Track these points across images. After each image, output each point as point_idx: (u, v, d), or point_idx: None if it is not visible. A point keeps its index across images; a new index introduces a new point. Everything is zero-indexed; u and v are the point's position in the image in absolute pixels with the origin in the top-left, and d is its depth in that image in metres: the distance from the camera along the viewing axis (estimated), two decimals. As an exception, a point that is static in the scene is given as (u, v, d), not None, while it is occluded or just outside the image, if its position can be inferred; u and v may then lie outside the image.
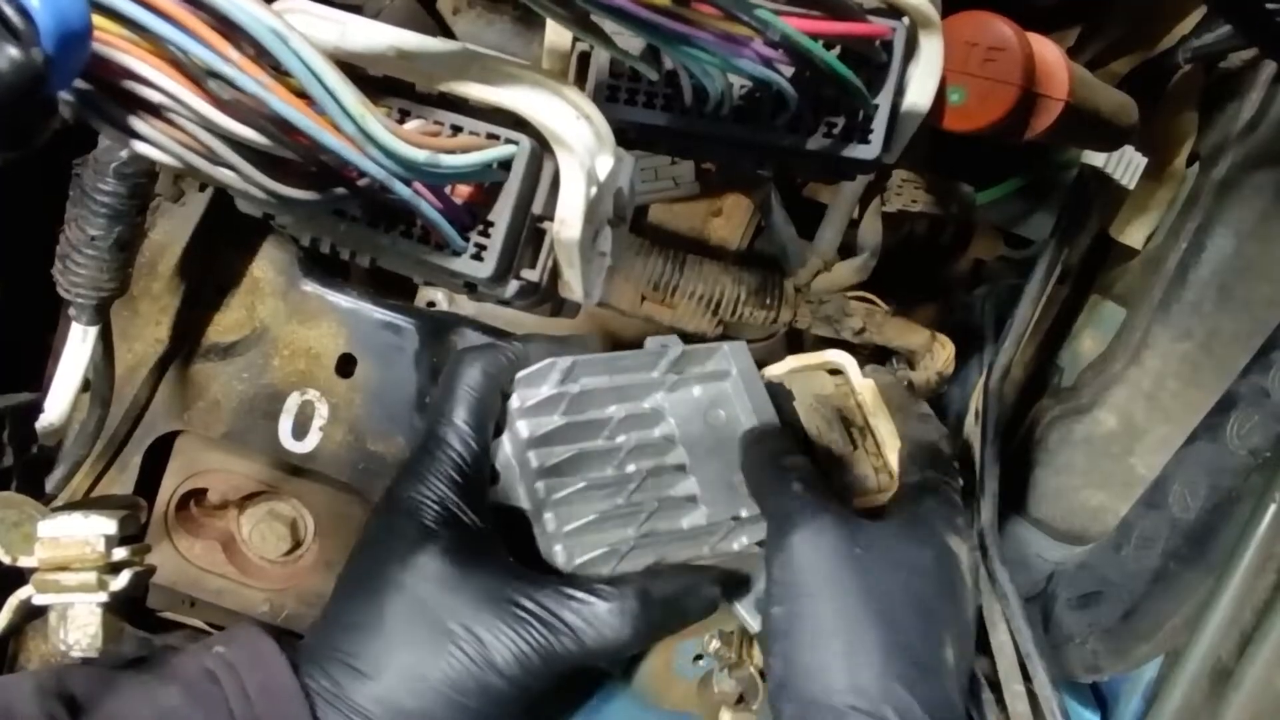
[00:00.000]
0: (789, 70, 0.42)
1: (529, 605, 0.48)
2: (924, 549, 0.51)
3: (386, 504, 0.51)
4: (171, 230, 0.69)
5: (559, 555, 0.51)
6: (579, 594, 0.48)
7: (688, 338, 0.59)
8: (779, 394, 0.60)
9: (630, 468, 0.53)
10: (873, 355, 0.86)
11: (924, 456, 0.58)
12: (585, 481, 0.51)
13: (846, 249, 0.78)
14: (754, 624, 0.56)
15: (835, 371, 0.64)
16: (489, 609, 0.47)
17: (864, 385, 0.63)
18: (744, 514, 0.54)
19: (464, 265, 0.40)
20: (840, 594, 0.48)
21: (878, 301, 0.76)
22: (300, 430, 0.70)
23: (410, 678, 0.47)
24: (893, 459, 0.61)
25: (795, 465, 0.53)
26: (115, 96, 0.31)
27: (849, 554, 0.48)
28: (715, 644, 0.68)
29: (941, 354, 0.75)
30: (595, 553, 0.51)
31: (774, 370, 0.63)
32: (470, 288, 0.41)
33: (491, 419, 0.52)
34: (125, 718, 0.45)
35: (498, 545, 0.51)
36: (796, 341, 0.83)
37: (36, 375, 0.70)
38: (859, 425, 0.63)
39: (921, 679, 0.47)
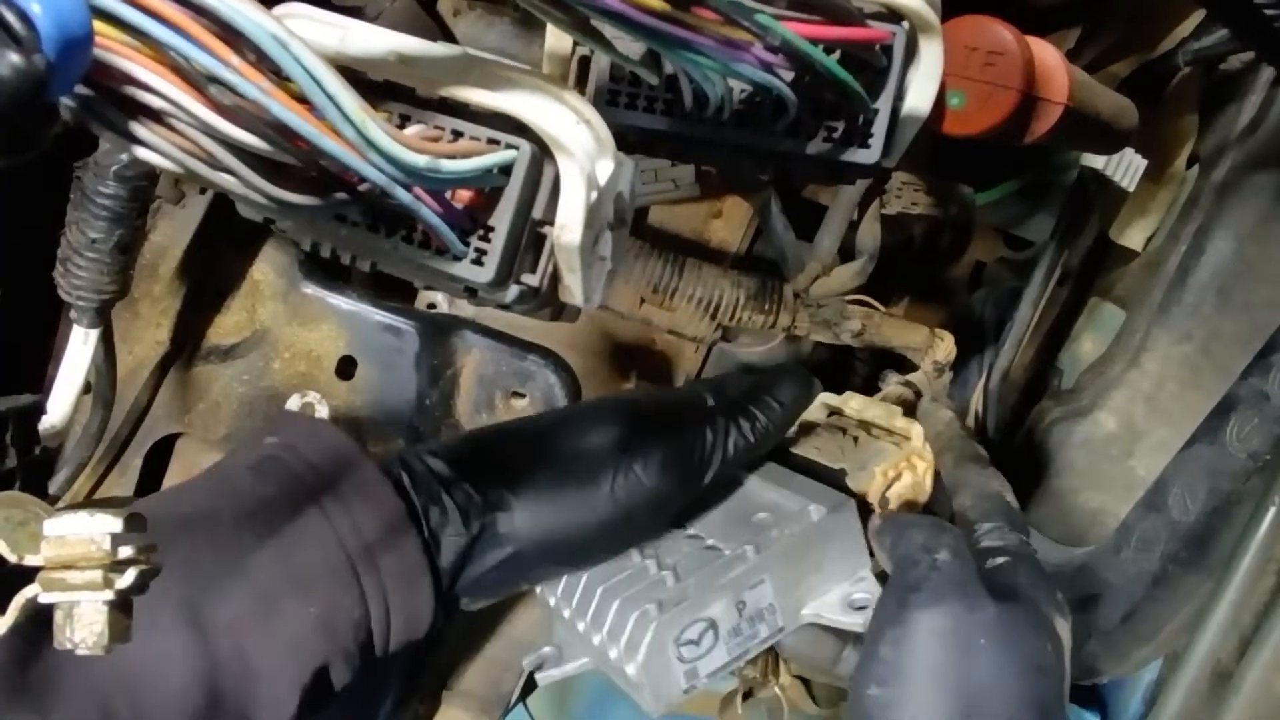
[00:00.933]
0: (789, 75, 0.42)
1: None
2: (1041, 639, 0.45)
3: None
4: (172, 233, 0.69)
5: (614, 654, 0.53)
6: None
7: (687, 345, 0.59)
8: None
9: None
10: (873, 359, 0.86)
11: (1001, 514, 0.53)
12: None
13: (845, 252, 0.78)
14: (849, 622, 0.54)
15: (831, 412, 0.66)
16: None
17: (846, 399, 0.63)
18: (764, 521, 0.55)
19: (464, 270, 0.40)
20: (954, 695, 0.43)
21: (875, 304, 0.76)
22: (301, 432, 0.70)
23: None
24: (900, 424, 0.61)
25: (940, 540, 0.48)
26: (116, 101, 0.31)
27: (974, 645, 0.44)
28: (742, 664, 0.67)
29: (941, 346, 0.75)
30: (630, 626, 0.52)
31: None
32: (471, 292, 0.41)
33: None
34: (201, 505, 0.47)
35: None
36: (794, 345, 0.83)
37: (38, 377, 0.70)
38: (852, 426, 0.63)
39: None
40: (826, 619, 0.55)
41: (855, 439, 0.63)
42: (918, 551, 0.48)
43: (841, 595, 0.55)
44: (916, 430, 0.62)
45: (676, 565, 0.54)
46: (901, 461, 0.61)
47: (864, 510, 0.59)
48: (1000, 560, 0.49)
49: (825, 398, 0.64)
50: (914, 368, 0.77)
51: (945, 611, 0.45)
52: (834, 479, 0.61)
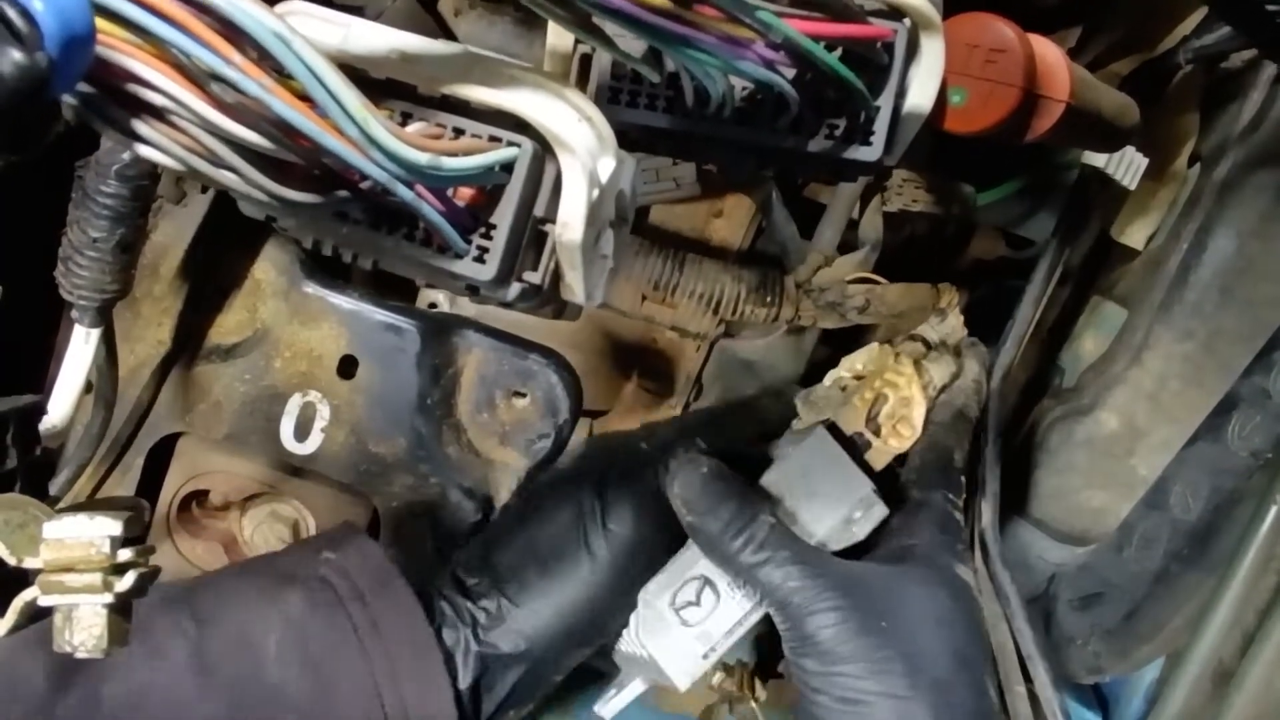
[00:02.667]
0: (790, 72, 0.42)
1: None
2: (941, 591, 0.50)
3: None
4: (173, 232, 0.69)
5: (631, 647, 0.55)
6: None
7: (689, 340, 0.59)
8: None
9: None
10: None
11: (935, 470, 0.58)
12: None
13: (847, 247, 0.78)
14: (850, 537, 0.56)
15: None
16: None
17: (842, 368, 0.63)
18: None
19: (466, 268, 0.40)
20: (879, 674, 0.47)
21: (875, 278, 0.75)
22: (302, 432, 0.70)
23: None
24: (869, 361, 0.62)
25: (785, 556, 0.51)
26: (118, 99, 0.31)
27: (876, 629, 0.48)
28: (719, 676, 0.67)
29: (946, 294, 0.74)
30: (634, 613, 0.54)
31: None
32: (472, 290, 0.41)
33: None
34: (253, 627, 0.47)
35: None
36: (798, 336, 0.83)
37: (39, 377, 0.70)
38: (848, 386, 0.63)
39: None
40: (834, 546, 0.55)
41: (844, 388, 0.63)
42: (766, 568, 0.51)
43: (843, 517, 0.56)
44: (888, 352, 0.62)
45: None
46: (876, 382, 0.61)
47: (861, 446, 0.60)
48: (908, 517, 0.55)
49: (829, 375, 0.64)
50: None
51: (835, 614, 0.48)
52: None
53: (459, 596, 0.55)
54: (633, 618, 0.55)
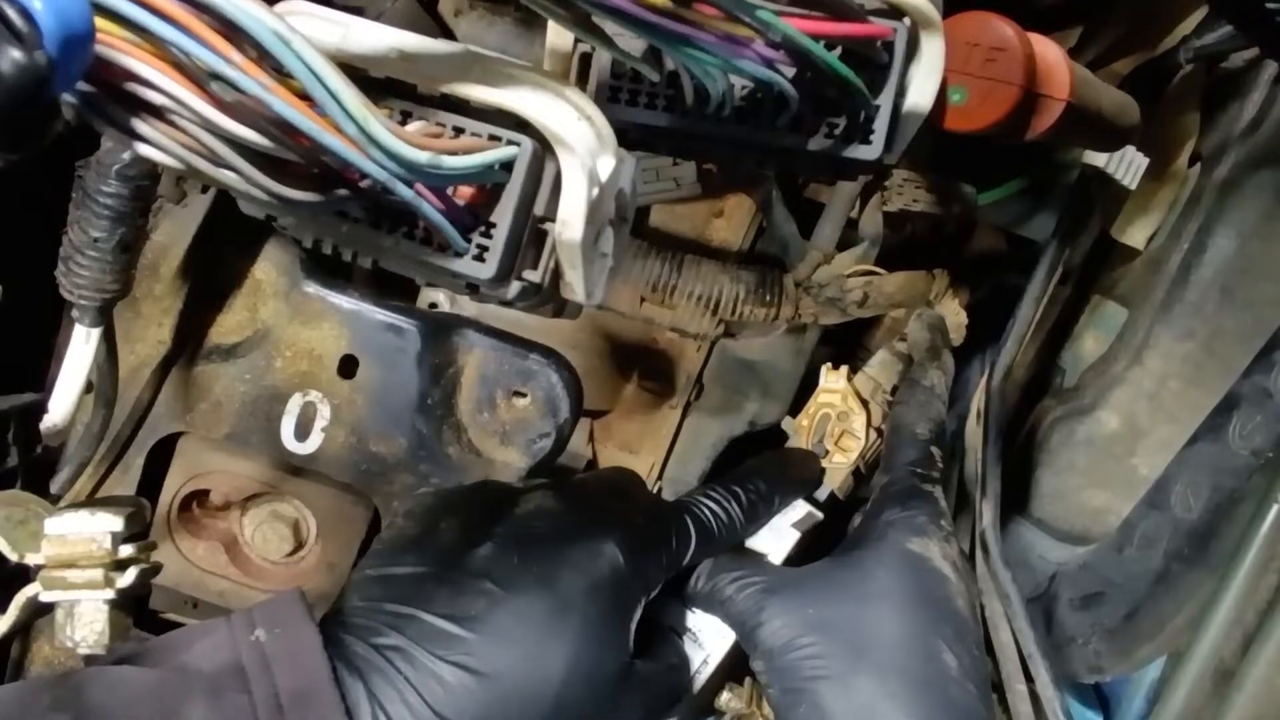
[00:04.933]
0: (790, 71, 0.42)
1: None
2: (885, 572, 0.51)
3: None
4: (174, 232, 0.69)
5: None
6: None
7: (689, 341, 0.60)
8: None
9: None
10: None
11: (898, 448, 0.59)
12: None
13: (847, 245, 0.78)
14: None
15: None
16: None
17: (819, 397, 0.65)
18: None
19: (466, 266, 0.40)
20: (814, 657, 0.48)
21: (876, 270, 0.75)
22: (302, 431, 0.70)
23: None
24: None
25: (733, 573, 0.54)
26: (118, 98, 0.31)
27: (824, 620, 0.49)
28: (725, 694, 0.67)
29: (942, 281, 0.75)
30: None
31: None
32: (472, 289, 0.41)
33: None
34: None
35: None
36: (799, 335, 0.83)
37: (39, 376, 0.70)
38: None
39: (949, 710, 0.48)
40: (775, 557, 0.59)
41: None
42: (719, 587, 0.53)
43: (773, 527, 0.60)
44: (824, 372, 0.63)
45: None
46: (812, 407, 0.62)
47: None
48: (872, 504, 0.56)
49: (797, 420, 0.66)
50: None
51: (780, 620, 0.50)
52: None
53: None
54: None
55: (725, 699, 0.69)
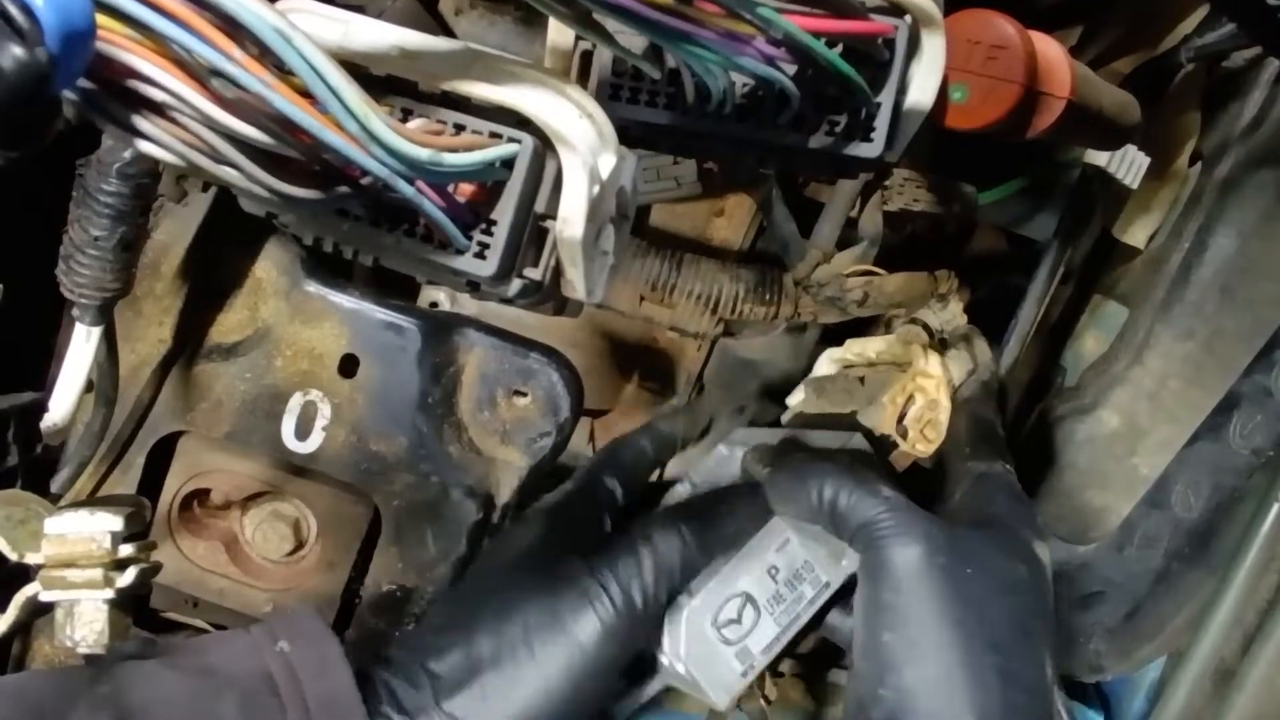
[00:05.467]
0: (791, 68, 0.42)
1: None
2: (1018, 563, 0.48)
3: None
4: (174, 230, 0.69)
5: (671, 660, 0.52)
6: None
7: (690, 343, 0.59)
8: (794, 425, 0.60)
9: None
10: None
11: (988, 440, 0.56)
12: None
13: (847, 244, 0.78)
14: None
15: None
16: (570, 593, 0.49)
17: (847, 349, 0.62)
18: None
19: (467, 264, 0.40)
20: (956, 625, 0.45)
21: (876, 270, 0.75)
22: (303, 430, 0.70)
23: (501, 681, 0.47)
24: (898, 350, 0.59)
25: (876, 487, 0.50)
26: (119, 95, 0.31)
27: (961, 576, 0.46)
28: None
29: (945, 281, 0.74)
30: (670, 622, 0.52)
31: (787, 417, 0.63)
32: (473, 286, 0.41)
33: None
34: None
35: None
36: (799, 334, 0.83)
37: (40, 375, 0.70)
38: (861, 371, 0.62)
39: (1031, 705, 0.45)
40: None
41: (861, 379, 0.62)
42: (853, 495, 0.49)
43: None
44: (918, 351, 0.60)
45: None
46: (908, 383, 0.60)
47: (887, 447, 0.58)
48: (978, 487, 0.52)
49: (831, 354, 0.63)
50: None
51: (924, 548, 0.46)
52: (844, 423, 0.59)
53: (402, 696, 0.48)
54: (668, 633, 0.52)
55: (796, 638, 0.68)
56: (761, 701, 0.71)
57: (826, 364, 0.63)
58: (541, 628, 0.48)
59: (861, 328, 0.91)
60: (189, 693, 0.44)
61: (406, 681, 0.48)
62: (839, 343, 0.85)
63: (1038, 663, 0.47)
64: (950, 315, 0.71)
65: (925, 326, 0.69)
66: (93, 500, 0.67)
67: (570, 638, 0.48)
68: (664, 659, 0.52)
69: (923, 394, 0.58)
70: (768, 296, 0.75)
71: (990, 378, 0.64)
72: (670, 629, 0.51)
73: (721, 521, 0.53)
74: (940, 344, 0.68)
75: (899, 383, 0.59)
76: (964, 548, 0.47)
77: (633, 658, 0.51)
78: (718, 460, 0.58)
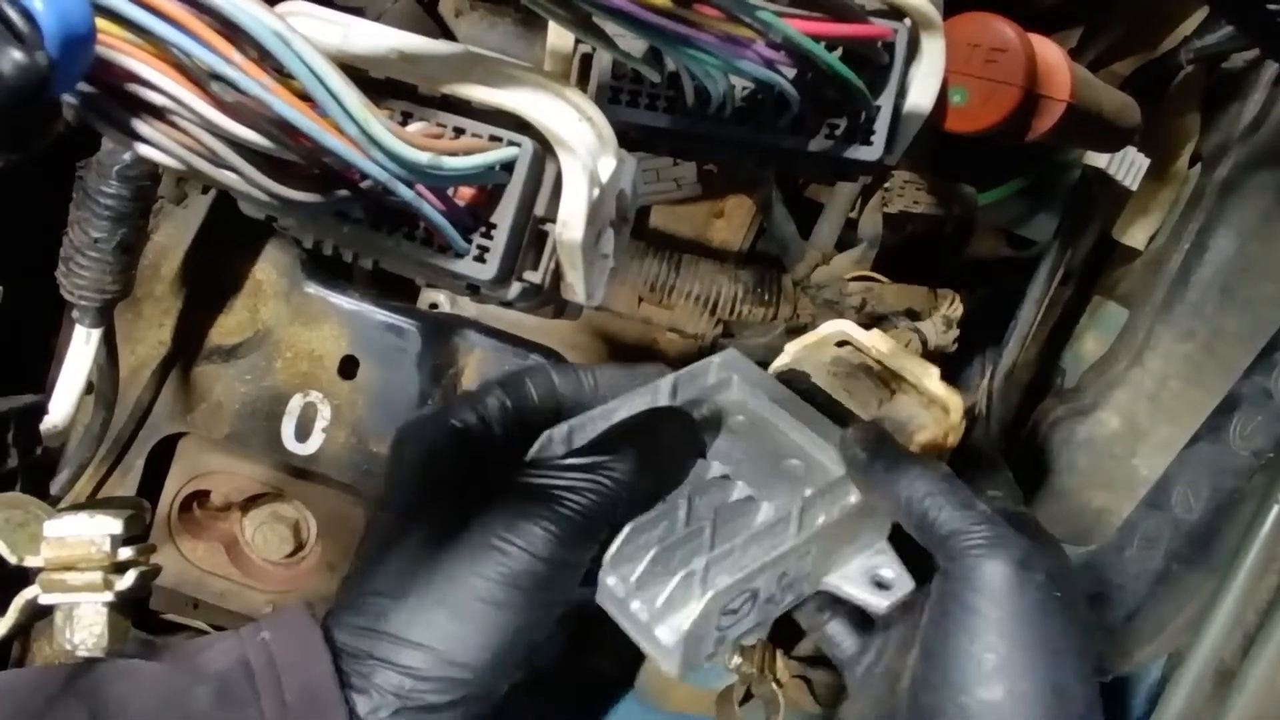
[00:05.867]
0: (791, 72, 0.42)
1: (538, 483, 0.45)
2: (1078, 597, 0.47)
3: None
4: (174, 233, 0.69)
5: (641, 612, 0.47)
6: (575, 463, 0.45)
7: (689, 344, 0.58)
8: (793, 377, 0.58)
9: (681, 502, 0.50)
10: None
11: (1002, 484, 0.56)
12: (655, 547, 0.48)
13: (846, 245, 0.78)
14: (871, 601, 0.51)
15: (842, 344, 0.62)
16: (505, 509, 0.44)
17: (871, 336, 0.60)
18: (809, 492, 0.51)
19: (466, 267, 0.40)
20: (1045, 641, 0.44)
21: (876, 277, 0.75)
22: (303, 432, 0.70)
23: (448, 605, 0.44)
24: (936, 387, 0.56)
25: (970, 499, 0.47)
26: (118, 99, 0.31)
27: (1050, 593, 0.44)
28: (736, 659, 0.65)
29: (944, 301, 0.74)
30: (671, 585, 0.47)
31: (777, 362, 0.61)
32: (473, 289, 0.41)
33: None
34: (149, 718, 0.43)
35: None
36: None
37: (40, 377, 0.70)
38: (884, 375, 0.60)
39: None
40: (846, 592, 0.53)
41: (891, 391, 0.60)
42: (946, 506, 0.46)
43: (862, 567, 0.52)
44: (955, 403, 0.58)
45: (716, 515, 0.48)
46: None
47: None
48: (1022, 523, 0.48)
49: (843, 326, 0.61)
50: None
51: (1020, 561, 0.44)
52: (836, 413, 0.58)
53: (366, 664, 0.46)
54: (670, 603, 0.47)
55: (735, 663, 0.66)
56: (774, 685, 0.70)
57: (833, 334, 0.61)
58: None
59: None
60: (164, 684, 0.44)
61: (356, 629, 0.45)
62: (839, 344, 0.85)
63: (1091, 691, 0.45)
64: (948, 341, 0.71)
65: (920, 335, 0.69)
66: (92, 502, 0.67)
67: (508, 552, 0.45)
68: (637, 606, 0.49)
69: (938, 425, 0.57)
70: (766, 297, 0.76)
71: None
72: (674, 595, 0.48)
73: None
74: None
75: (931, 431, 0.58)
76: (1052, 565, 0.45)
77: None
78: (714, 375, 0.55)
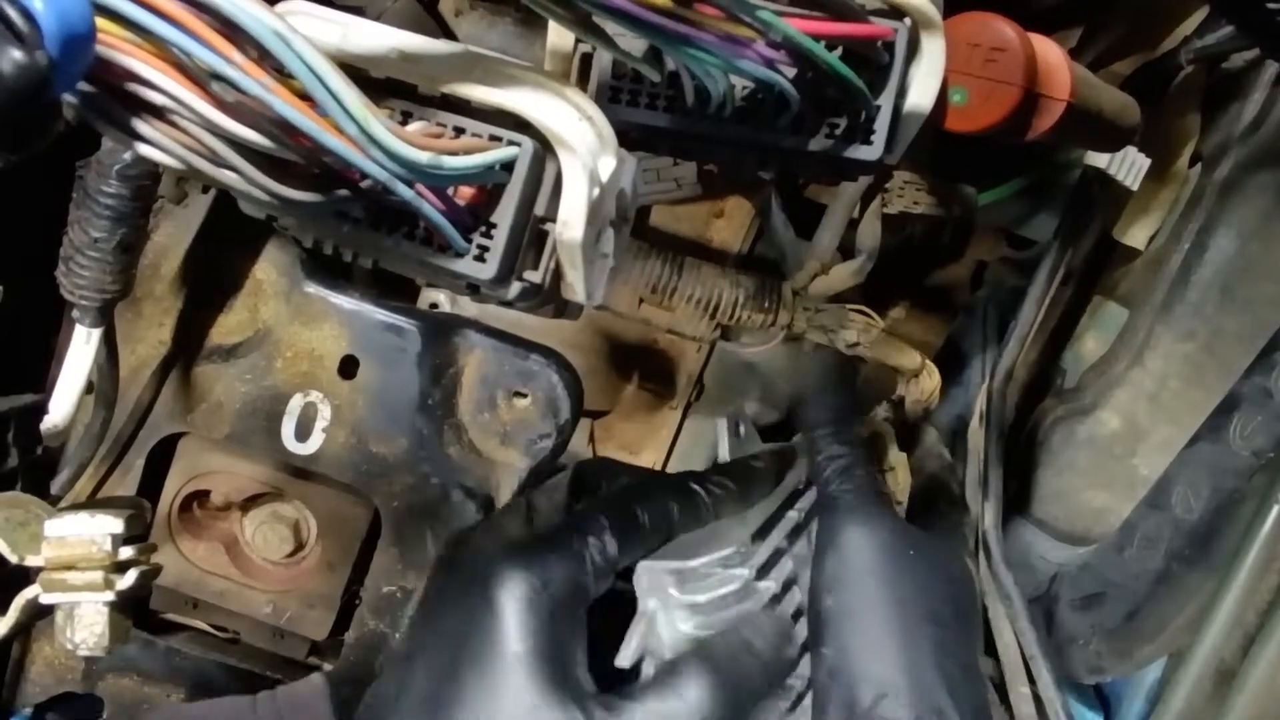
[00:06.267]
0: (791, 71, 0.42)
1: None
2: (957, 563, 0.53)
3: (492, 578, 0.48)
4: (174, 232, 0.69)
5: None
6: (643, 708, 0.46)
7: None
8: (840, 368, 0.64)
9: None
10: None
11: (940, 495, 0.62)
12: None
13: (846, 252, 0.78)
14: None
15: None
16: None
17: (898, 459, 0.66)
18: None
19: (466, 267, 0.40)
20: (894, 592, 0.49)
21: (874, 316, 0.76)
22: (303, 432, 0.70)
23: None
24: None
25: (856, 460, 0.55)
26: (118, 99, 0.31)
27: (904, 553, 0.50)
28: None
29: (927, 384, 0.76)
30: None
31: None
32: (473, 289, 0.41)
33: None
34: None
35: (579, 648, 0.49)
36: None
37: (40, 377, 0.70)
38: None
39: (965, 680, 0.48)
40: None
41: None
42: (843, 479, 0.54)
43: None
44: (901, 461, 0.65)
45: None
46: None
47: None
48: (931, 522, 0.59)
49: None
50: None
51: (877, 527, 0.51)
52: None
53: None
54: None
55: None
56: None
57: None
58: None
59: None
60: None
61: None
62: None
63: (970, 644, 0.50)
64: (920, 412, 0.74)
65: (892, 422, 0.74)
66: (93, 502, 0.67)
67: None
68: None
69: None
70: (766, 304, 0.75)
71: (943, 454, 0.71)
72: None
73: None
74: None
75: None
76: (912, 537, 0.51)
77: None
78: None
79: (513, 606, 0.46)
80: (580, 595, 0.48)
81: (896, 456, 0.66)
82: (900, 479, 0.65)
